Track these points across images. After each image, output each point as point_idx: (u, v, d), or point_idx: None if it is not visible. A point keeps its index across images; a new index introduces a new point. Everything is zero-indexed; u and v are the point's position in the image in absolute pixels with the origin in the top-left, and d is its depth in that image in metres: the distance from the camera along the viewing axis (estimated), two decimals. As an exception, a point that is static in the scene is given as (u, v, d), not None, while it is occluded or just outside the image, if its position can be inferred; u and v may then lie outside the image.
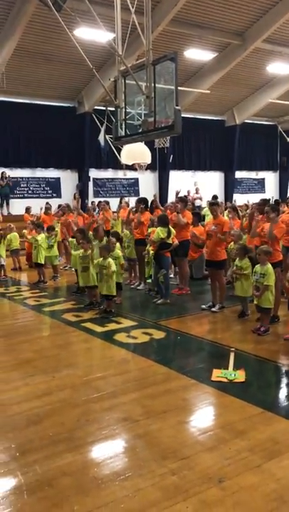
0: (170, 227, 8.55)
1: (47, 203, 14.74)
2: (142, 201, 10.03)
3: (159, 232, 8.41)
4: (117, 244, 8.66)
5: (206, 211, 12.99)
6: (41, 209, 14.05)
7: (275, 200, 16.09)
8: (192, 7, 14.53)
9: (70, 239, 9.34)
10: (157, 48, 12.01)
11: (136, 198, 10.94)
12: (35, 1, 11.16)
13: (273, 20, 15.57)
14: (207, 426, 4.21)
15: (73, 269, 9.96)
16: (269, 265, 6.55)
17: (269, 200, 8.81)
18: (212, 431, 4.08)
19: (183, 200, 9.60)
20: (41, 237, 10.75)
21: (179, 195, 10.20)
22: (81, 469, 3.54)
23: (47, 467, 3.56)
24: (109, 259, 7.68)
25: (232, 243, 8.48)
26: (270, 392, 5.04)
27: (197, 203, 20.58)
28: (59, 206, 13.96)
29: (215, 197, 15.82)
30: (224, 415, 4.36)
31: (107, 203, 13.49)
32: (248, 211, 10.45)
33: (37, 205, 15.67)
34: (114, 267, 7.62)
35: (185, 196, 13.26)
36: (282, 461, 3.55)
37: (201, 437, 3.97)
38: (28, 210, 15.72)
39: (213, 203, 8.51)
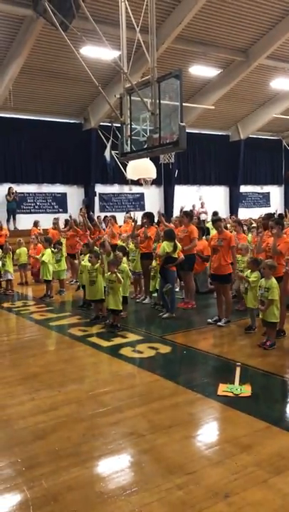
0: (176, 241, 8.59)
1: (54, 218, 14.86)
2: (148, 216, 10.11)
3: (164, 247, 8.46)
4: (124, 259, 8.71)
5: (210, 225, 13.04)
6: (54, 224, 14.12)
7: (279, 214, 16.09)
8: (197, 25, 14.77)
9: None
10: (162, 64, 12.20)
11: (142, 213, 11.02)
12: (43, 21, 11.37)
13: (276, 37, 15.80)
14: (213, 440, 4.20)
15: (78, 282, 10.00)
16: (273, 279, 6.56)
17: (274, 214, 8.83)
18: (218, 445, 4.06)
19: (188, 215, 9.66)
20: (47, 253, 10.78)
21: (184, 210, 10.25)
22: (87, 484, 3.53)
23: (53, 482, 3.56)
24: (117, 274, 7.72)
25: (239, 256, 8.51)
26: (276, 406, 5.02)
27: (202, 217, 20.63)
28: (66, 221, 14.04)
29: (215, 213, 15.88)
30: (230, 430, 4.34)
31: (114, 217, 13.55)
32: (253, 225, 10.49)
33: (44, 220, 15.82)
34: (121, 279, 7.67)
35: (190, 211, 13.35)
36: (289, 476, 3.53)
37: (207, 452, 3.96)
38: (36, 224, 15.82)
39: (216, 220, 8.52)
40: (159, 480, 3.53)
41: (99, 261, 8.38)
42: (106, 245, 8.98)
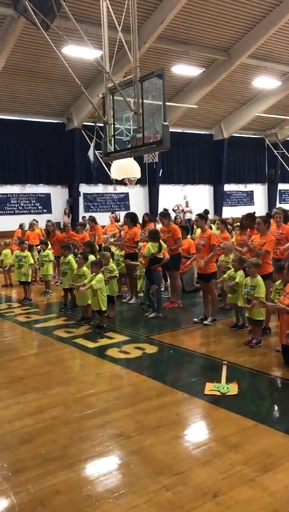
0: (161, 241, 8.57)
1: (33, 220, 14.79)
2: (129, 216, 10.07)
3: (149, 247, 8.44)
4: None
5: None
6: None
7: (267, 213, 16.17)
8: (179, 24, 14.76)
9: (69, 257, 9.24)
10: (145, 64, 12.19)
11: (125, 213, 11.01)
12: (24, 20, 11.28)
13: (258, 36, 15.86)
14: (201, 440, 4.19)
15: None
16: (259, 277, 6.59)
17: (253, 214, 8.87)
18: (206, 445, 4.06)
19: (165, 215, 9.64)
20: (27, 254, 10.62)
21: (160, 212, 10.25)
22: (74, 487, 3.50)
23: (40, 486, 3.52)
24: (99, 275, 7.65)
25: (222, 256, 8.54)
26: (262, 404, 5.04)
27: (187, 216, 20.67)
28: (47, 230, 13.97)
29: (206, 211, 15.87)
30: (218, 429, 4.34)
31: (93, 219, 13.41)
32: (237, 224, 10.53)
33: (28, 222, 15.72)
34: (99, 285, 7.59)
35: (165, 209, 13.38)
36: (277, 474, 3.54)
37: (195, 452, 3.95)
38: (21, 226, 15.71)
39: (199, 217, 8.43)
40: (147, 481, 3.52)
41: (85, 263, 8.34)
42: (106, 255, 8.67)
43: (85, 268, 8.32)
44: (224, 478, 3.52)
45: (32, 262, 10.65)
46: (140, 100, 7.67)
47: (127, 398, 5.09)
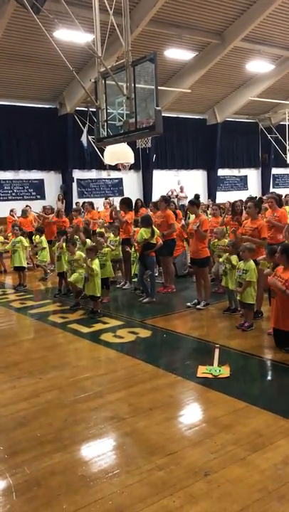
0: (153, 227, 8.61)
1: (26, 206, 14.77)
2: (125, 202, 10.09)
3: (142, 233, 8.47)
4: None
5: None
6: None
7: (258, 198, 16.20)
8: (171, 7, 14.60)
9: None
10: (137, 48, 12.05)
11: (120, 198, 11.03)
12: (14, 3, 11.12)
13: (251, 19, 15.72)
14: (193, 421, 4.28)
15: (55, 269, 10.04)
16: (251, 261, 6.65)
17: (255, 197, 8.94)
18: (198, 426, 4.15)
19: (166, 200, 9.68)
20: (20, 239, 10.67)
21: (162, 195, 10.28)
22: (69, 468, 3.58)
23: (35, 468, 3.60)
24: (95, 261, 7.71)
25: (215, 240, 8.60)
26: (253, 386, 5.13)
27: (182, 202, 20.65)
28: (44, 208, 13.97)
29: (197, 196, 15.82)
30: (210, 410, 4.43)
31: (90, 203, 13.50)
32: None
33: (22, 207, 15.70)
34: (97, 269, 7.67)
35: (169, 196, 13.29)
36: (266, 453, 3.63)
37: (187, 433, 4.04)
38: (12, 211, 15.68)
39: (191, 203, 8.52)
40: (141, 461, 3.60)
41: (77, 249, 8.39)
42: (81, 236, 8.94)
43: (78, 252, 8.39)
44: (215, 457, 3.61)
45: (26, 245, 10.76)
46: (132, 85, 7.61)
47: (120, 381, 5.17)
